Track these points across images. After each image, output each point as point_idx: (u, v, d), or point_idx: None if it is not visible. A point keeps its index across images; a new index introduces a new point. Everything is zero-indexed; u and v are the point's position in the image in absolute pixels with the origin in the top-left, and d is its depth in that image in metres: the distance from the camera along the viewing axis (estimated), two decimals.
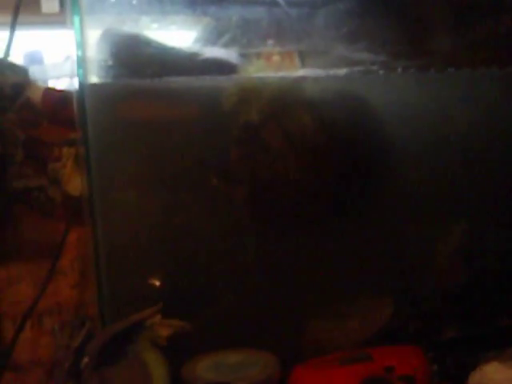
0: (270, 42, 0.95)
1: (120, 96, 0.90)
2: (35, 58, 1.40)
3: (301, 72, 0.94)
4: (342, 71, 0.96)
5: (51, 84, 1.39)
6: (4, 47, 1.18)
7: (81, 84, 0.88)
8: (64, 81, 1.32)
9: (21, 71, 1.26)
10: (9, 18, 1.06)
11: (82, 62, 0.87)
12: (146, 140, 0.91)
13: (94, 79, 0.88)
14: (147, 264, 0.95)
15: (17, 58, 1.30)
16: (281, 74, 0.95)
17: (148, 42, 0.92)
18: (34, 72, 1.25)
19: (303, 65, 0.95)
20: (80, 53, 0.87)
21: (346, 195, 0.98)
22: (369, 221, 1.00)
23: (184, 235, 0.95)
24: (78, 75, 0.87)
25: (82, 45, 0.87)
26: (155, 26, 0.93)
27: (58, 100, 1.24)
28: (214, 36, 0.96)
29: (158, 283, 0.93)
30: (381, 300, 1.03)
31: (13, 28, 1.02)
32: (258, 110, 0.92)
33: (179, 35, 0.98)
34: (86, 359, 0.80)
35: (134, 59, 0.89)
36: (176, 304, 0.93)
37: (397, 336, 1.00)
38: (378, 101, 0.97)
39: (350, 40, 0.96)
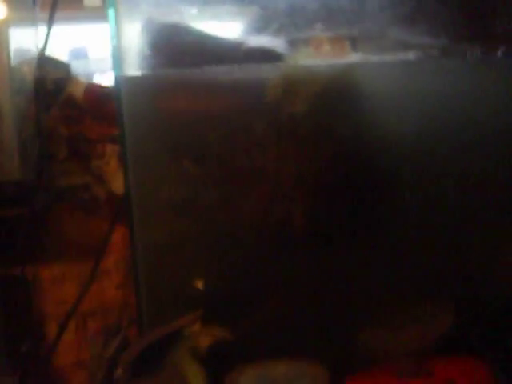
0: (319, 27, 0.85)
1: (158, 88, 0.84)
2: (80, 54, 1.34)
3: (353, 58, 0.83)
4: (399, 57, 0.84)
5: (95, 80, 1.34)
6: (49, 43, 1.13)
7: (117, 77, 0.81)
8: (108, 76, 1.25)
9: (62, 66, 1.22)
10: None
11: (117, 54, 0.79)
12: (187, 134, 0.83)
13: (131, 71, 0.80)
14: (188, 267, 0.88)
15: (62, 54, 1.24)
16: (331, 61, 0.84)
17: (188, 31, 0.84)
18: (77, 67, 1.19)
19: (355, 51, 0.85)
20: (115, 44, 0.79)
21: (406, 195, 0.88)
22: (427, 223, 0.89)
23: (229, 237, 0.86)
24: (113, 68, 0.80)
25: (117, 36, 0.80)
26: (199, 16, 0.84)
27: (100, 95, 1.19)
28: (261, 25, 0.87)
29: (199, 287, 0.85)
30: (441, 307, 0.92)
31: (50, 22, 0.96)
32: (304, 101, 0.82)
33: (224, 26, 0.89)
34: (119, 370, 0.72)
35: (174, 49, 0.82)
36: (218, 311, 0.85)
37: (458, 346, 0.89)
38: (438, 89, 0.85)
39: (407, 22, 0.85)
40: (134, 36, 0.86)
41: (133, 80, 0.82)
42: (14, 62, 1.02)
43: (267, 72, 0.86)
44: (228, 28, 0.90)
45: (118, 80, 0.82)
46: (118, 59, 0.81)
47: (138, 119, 0.83)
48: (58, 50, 1.23)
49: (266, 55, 0.88)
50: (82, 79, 1.18)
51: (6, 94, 0.90)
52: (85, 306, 1.11)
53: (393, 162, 0.91)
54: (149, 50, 0.82)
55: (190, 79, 0.83)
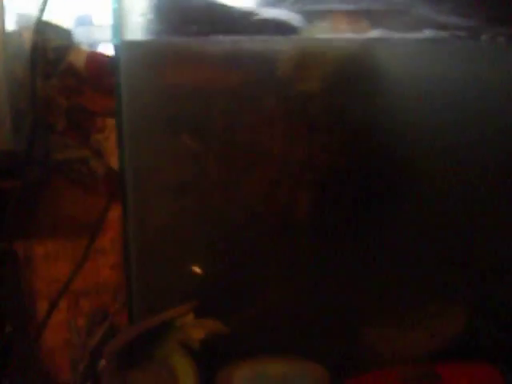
0: (338, 0, 0.77)
1: (160, 56, 0.76)
2: (85, 21, 1.26)
3: (373, 34, 0.75)
4: (423, 35, 0.76)
5: (100, 49, 1.26)
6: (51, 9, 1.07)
7: (115, 42, 0.73)
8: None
9: (63, 33, 1.14)
10: None
11: (117, 17, 0.71)
12: (189, 108, 0.76)
13: (132, 37, 0.72)
14: (184, 252, 0.80)
15: (66, 21, 1.17)
16: (349, 36, 0.76)
17: None
18: (80, 35, 1.12)
19: (376, 26, 0.77)
20: (116, 6, 0.71)
21: (423, 186, 0.80)
22: (442, 217, 0.82)
23: (229, 221, 0.79)
24: (112, 32, 0.72)
25: None
26: None
27: (102, 65, 1.12)
28: None
29: (197, 273, 0.78)
30: (452, 308, 0.85)
31: None
32: (318, 78, 0.74)
33: None
34: (103, 361, 0.65)
35: (179, 14, 0.74)
36: (213, 302, 0.77)
37: (470, 351, 0.82)
38: (464, 72, 0.78)
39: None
40: None
41: (133, 46, 0.75)
42: (11, 26, 0.94)
43: (279, 45, 0.78)
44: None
45: (117, 45, 0.74)
46: (117, 23, 0.73)
47: (136, 89, 0.76)
48: (62, 17, 1.14)
49: (279, 28, 0.80)
50: (84, 47, 1.09)
51: None
52: (78, 284, 1.08)
53: (410, 150, 0.83)
54: (152, 14, 0.74)
55: (195, 48, 0.76)
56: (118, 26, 0.74)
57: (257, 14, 0.82)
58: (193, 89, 0.76)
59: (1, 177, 0.91)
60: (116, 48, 0.75)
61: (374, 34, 0.79)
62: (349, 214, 0.84)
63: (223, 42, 0.77)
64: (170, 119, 0.78)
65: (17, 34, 0.97)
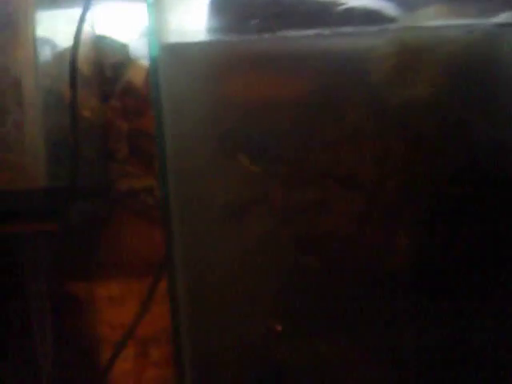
0: None
1: (210, 59, 0.55)
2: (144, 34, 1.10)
3: (501, 18, 0.51)
4: None
5: None
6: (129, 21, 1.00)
7: (153, 46, 0.54)
8: None
9: (121, 48, 1.00)
10: None
11: (153, 12, 0.52)
12: (248, 122, 0.55)
13: (174, 38, 0.53)
14: (244, 303, 0.59)
15: (125, 35, 1.03)
16: (468, 23, 0.53)
17: None
18: (138, 48, 0.97)
19: (505, 8, 0.53)
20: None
21: None
22: None
23: (299, 266, 0.58)
24: (148, 33, 0.53)
25: None
26: None
27: None
28: None
29: (278, 330, 0.57)
30: None
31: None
32: (428, 81, 0.51)
33: None
34: None
35: (235, 6, 0.53)
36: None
37: None
38: None
39: None
40: None
41: (176, 49, 0.55)
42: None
43: (372, 38, 0.55)
44: None
45: (155, 50, 0.54)
46: (154, 21, 0.53)
47: (182, 101, 0.56)
48: (119, 30, 1.00)
49: (370, 18, 0.57)
50: (144, 63, 0.94)
51: (31, 85, 0.67)
52: (145, 330, 0.98)
53: None
54: (202, 9, 0.54)
55: (258, 48, 0.54)
56: (154, 25, 0.54)
57: (340, 4, 0.60)
58: (254, 99, 0.55)
59: (42, 217, 0.75)
60: (154, 54, 0.55)
61: (502, 17, 0.55)
62: (466, 261, 0.60)
63: (294, 39, 0.55)
64: (223, 136, 0.57)
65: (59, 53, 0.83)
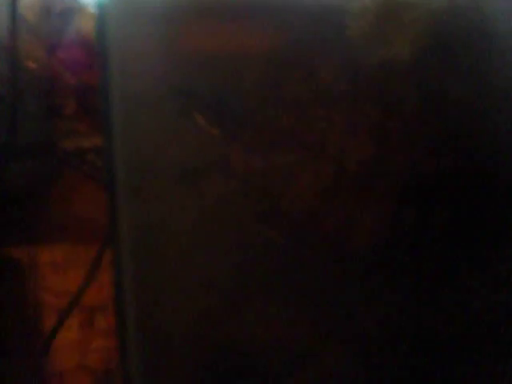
0: None
1: (162, 8, 0.47)
2: None
3: None
4: None
5: None
6: None
7: None
8: None
9: None
10: None
11: None
12: (205, 77, 0.48)
13: None
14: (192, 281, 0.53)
15: None
16: None
17: None
18: None
19: None
20: None
21: None
22: None
23: (257, 236, 0.53)
24: None
25: None
26: None
27: None
28: None
29: None
30: None
31: None
32: (408, 39, 0.45)
33: None
34: None
35: None
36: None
37: None
38: None
39: None
40: None
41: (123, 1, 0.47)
42: None
43: None
44: None
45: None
46: None
47: (130, 53, 0.49)
48: None
49: None
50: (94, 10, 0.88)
51: None
52: (91, 298, 0.95)
53: None
54: None
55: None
56: None
57: None
58: (213, 53, 0.49)
59: None
60: (101, 4, 0.48)
61: None
62: (434, 237, 0.55)
63: None
64: (175, 92, 0.50)
65: None
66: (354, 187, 0.53)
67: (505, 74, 0.51)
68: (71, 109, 0.98)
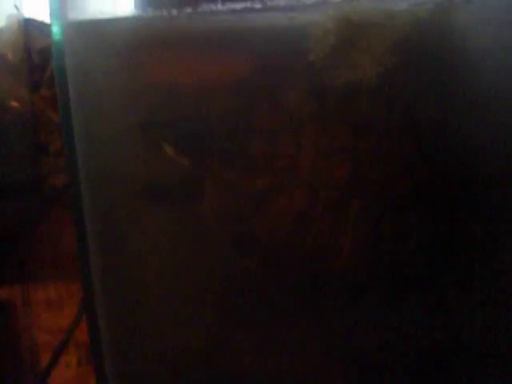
0: None
1: (121, 39, 0.46)
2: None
3: None
4: None
5: None
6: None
7: (56, 24, 0.45)
8: None
9: (50, 32, 0.90)
10: None
11: None
12: (170, 104, 0.46)
13: (74, 14, 0.44)
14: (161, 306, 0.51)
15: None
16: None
17: None
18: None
19: None
20: None
21: None
22: None
23: (233, 267, 0.51)
24: (50, 9, 0.45)
25: None
26: None
27: None
28: None
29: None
30: None
31: None
32: (372, 61, 0.44)
33: None
34: None
35: None
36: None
37: None
38: None
39: None
40: None
41: (82, 27, 0.46)
42: None
43: (310, 12, 0.47)
44: None
45: (57, 29, 0.46)
46: None
47: (91, 86, 0.48)
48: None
49: None
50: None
51: None
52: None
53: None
54: None
55: (175, 24, 0.46)
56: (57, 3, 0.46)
57: None
58: (178, 84, 0.47)
59: None
60: (56, 33, 0.46)
61: None
62: (419, 257, 0.53)
63: (220, 14, 0.47)
64: (146, 125, 0.49)
65: None
66: (329, 210, 0.51)
67: (475, 87, 0.50)
68: (56, 146, 0.97)
